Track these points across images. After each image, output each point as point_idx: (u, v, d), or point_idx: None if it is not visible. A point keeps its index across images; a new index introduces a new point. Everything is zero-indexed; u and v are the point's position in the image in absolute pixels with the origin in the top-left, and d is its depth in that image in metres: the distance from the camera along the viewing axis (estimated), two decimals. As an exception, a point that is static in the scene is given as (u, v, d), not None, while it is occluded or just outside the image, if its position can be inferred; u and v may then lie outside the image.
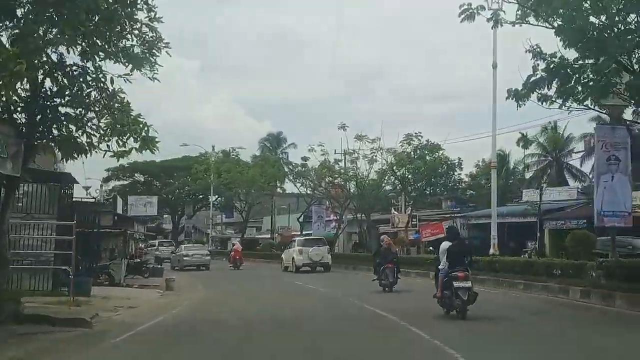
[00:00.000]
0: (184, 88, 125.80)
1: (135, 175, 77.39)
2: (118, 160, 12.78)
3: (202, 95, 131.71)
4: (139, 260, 32.83)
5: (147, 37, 11.90)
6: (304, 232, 49.18)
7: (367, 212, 40.06)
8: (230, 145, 58.74)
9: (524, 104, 15.38)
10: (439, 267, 13.91)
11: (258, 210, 70.20)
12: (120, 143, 12.09)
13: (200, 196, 74.14)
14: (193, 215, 78.42)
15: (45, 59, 11.10)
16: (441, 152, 35.77)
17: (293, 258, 35.88)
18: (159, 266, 35.42)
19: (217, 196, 71.46)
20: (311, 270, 34.38)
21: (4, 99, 10.13)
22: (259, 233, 75.54)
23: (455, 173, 39.91)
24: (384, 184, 40.08)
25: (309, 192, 48.14)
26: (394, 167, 36.46)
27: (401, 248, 35.53)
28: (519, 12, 15.22)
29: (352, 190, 41.71)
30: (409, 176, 37.01)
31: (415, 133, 35.99)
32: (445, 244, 13.94)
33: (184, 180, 67.99)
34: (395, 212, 43.01)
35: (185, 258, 41.85)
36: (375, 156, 37.44)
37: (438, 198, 50.55)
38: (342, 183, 42.02)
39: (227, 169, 56.92)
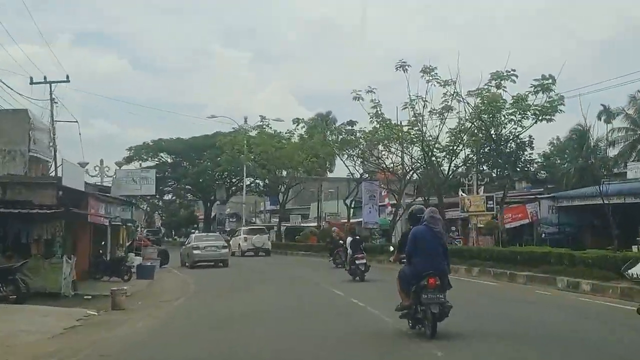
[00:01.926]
0: (236, 79, 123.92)
1: (161, 155, 68.27)
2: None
3: (254, 85, 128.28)
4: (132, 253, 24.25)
5: None
6: (353, 219, 39.80)
7: (439, 188, 29.06)
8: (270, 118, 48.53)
9: None
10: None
11: (306, 197, 61.64)
12: None
13: (234, 179, 64.55)
14: (227, 200, 68.77)
15: None
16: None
17: (239, 244, 41.73)
18: (149, 264, 25.74)
19: (252, 178, 61.80)
20: (254, 255, 40.08)
21: None
22: (305, 221, 65.73)
23: (526, 153, 32.79)
24: (460, 148, 29.02)
25: (357, 166, 37.90)
26: (481, 114, 25.12)
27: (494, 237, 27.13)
28: None
29: (414, 160, 31.15)
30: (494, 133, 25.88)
31: (508, 71, 24.70)
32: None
33: (216, 160, 58.08)
34: (464, 194, 35.53)
35: (195, 252, 31.94)
36: (450, 103, 26.38)
37: (509, 179, 40.75)
38: (401, 149, 31.36)
39: (259, 142, 46.80)
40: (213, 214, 67.60)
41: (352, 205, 49.24)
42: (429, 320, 9.08)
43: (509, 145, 28.40)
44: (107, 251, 26.38)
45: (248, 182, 65.47)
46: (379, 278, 20.07)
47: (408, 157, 32.00)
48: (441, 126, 27.62)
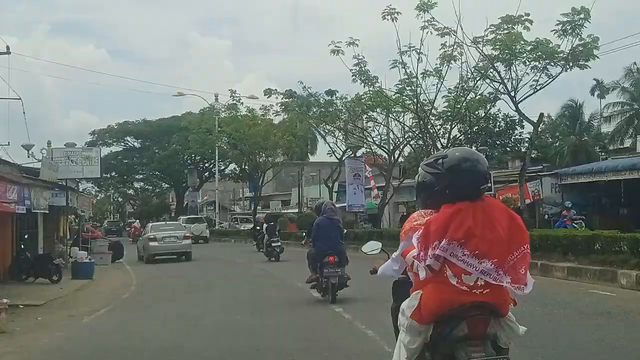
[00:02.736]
0: (217, 67, 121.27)
1: (127, 139, 63.01)
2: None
3: (234, 74, 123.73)
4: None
5: None
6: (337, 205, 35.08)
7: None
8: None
9: None
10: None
11: (287, 183, 59.60)
12: None
13: (207, 164, 59.59)
14: (200, 186, 63.76)
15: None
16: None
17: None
18: (88, 261, 21.07)
19: (227, 162, 56.96)
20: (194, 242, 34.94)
21: None
22: (286, 207, 61.25)
23: (516, 132, 32.80)
24: (463, 111, 24.31)
25: (340, 142, 33.21)
26: (494, 61, 20.08)
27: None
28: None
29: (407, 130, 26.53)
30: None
31: (521, 15, 19.83)
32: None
33: (186, 143, 52.79)
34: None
35: (151, 244, 27.16)
36: (453, 52, 21.55)
37: (500, 157, 41.06)
38: (389, 118, 26.72)
39: (229, 121, 41.92)
40: (186, 202, 62.57)
41: (336, 189, 44.94)
42: (329, 289, 11.51)
43: (498, 124, 25.18)
44: (37, 246, 21.87)
45: (222, 167, 60.68)
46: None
47: (399, 127, 27.44)
48: (439, 85, 22.90)
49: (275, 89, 32.55)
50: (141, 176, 70.82)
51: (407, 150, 30.80)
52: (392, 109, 26.25)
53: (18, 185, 18.28)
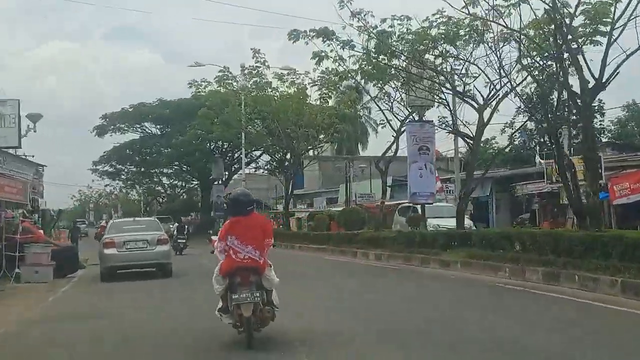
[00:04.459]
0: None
1: (145, 125, 54.01)
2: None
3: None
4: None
5: None
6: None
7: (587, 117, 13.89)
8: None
9: None
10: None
11: (335, 179, 52.91)
12: None
13: (236, 151, 49.97)
14: (227, 180, 54.23)
15: None
16: None
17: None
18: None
19: (260, 150, 47.32)
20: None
21: None
22: (333, 205, 51.57)
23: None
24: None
25: (400, 100, 22.70)
26: None
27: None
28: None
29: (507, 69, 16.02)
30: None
31: None
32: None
33: (208, 125, 42.97)
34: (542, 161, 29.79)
35: (108, 252, 17.54)
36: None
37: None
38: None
39: (253, 100, 32.65)
40: (211, 198, 53.02)
41: (390, 184, 35.09)
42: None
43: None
44: None
45: (255, 157, 51.23)
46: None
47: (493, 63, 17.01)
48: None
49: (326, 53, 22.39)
50: (170, 170, 62.27)
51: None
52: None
53: None
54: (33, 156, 28.03)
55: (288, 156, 37.24)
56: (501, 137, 36.04)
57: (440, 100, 20.68)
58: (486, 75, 18.10)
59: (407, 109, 23.13)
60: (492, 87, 18.14)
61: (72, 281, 18.24)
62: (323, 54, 22.29)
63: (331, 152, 61.76)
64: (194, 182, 64.09)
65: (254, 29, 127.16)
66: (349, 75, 23.58)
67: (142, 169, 58.63)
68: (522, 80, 18.01)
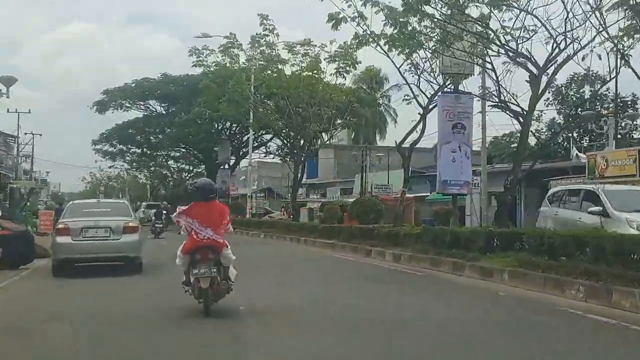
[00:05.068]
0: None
1: (150, 103, 50.45)
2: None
3: None
4: None
5: None
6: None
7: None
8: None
9: None
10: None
11: (351, 168, 48.73)
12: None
13: (245, 133, 46.35)
14: (234, 165, 50.58)
15: None
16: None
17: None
18: None
19: (270, 133, 43.71)
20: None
21: None
22: (348, 196, 48.09)
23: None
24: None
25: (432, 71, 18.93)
26: None
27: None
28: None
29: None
30: None
31: None
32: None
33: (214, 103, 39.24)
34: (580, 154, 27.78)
35: (60, 240, 14.05)
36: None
37: None
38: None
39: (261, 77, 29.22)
40: (217, 184, 49.38)
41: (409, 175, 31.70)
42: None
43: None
44: None
45: (266, 141, 47.55)
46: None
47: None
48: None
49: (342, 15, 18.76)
50: (177, 154, 58.86)
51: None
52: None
53: None
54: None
55: (301, 142, 33.67)
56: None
57: (483, 65, 16.74)
58: (547, 29, 14.09)
59: (437, 82, 19.26)
60: (555, 45, 14.17)
61: (21, 274, 14.84)
62: (341, 15, 18.72)
63: (347, 141, 58.40)
64: (202, 167, 60.68)
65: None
66: (371, 39, 19.86)
67: (148, 151, 55.24)
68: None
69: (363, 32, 19.09)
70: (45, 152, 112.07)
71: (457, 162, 17.07)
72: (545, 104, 32.75)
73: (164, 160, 62.43)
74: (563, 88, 39.65)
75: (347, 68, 28.94)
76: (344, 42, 28.37)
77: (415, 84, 19.90)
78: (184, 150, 55.98)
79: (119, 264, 14.34)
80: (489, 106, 17.89)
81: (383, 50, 19.80)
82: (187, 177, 65.86)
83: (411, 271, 14.87)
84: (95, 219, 14.30)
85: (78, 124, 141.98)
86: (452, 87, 18.12)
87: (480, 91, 17.23)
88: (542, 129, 34.63)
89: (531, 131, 20.80)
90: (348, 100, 33.22)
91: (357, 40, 20.88)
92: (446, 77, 18.24)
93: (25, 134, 62.56)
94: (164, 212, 30.86)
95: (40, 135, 62.67)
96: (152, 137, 51.64)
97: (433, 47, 18.07)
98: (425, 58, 19.39)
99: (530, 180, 30.81)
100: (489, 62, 16.31)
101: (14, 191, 23.76)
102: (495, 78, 16.19)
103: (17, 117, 53.64)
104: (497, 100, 16.54)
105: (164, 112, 50.90)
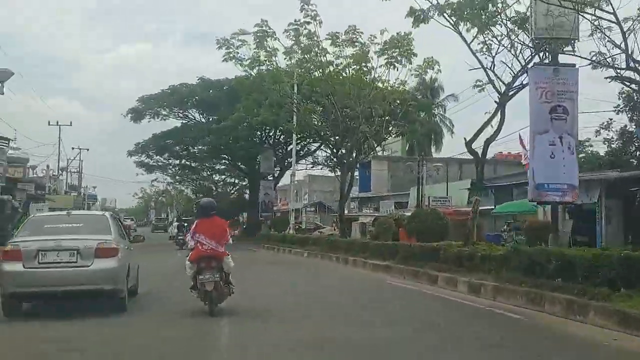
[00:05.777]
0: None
1: (190, 111, 47.08)
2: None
3: None
4: None
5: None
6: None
7: None
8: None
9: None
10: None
11: (407, 180, 43.84)
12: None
13: (289, 140, 42.38)
14: (279, 176, 46.64)
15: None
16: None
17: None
18: None
19: (318, 140, 39.76)
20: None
21: None
22: (402, 210, 43.79)
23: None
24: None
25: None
26: None
27: None
28: None
29: None
30: None
31: None
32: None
33: (253, 109, 35.40)
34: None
35: (8, 268, 10.11)
36: None
37: None
38: None
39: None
40: (260, 196, 45.44)
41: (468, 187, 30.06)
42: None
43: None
44: None
45: (314, 148, 43.62)
46: None
47: None
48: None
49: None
50: (222, 166, 55.64)
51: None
52: None
53: None
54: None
55: (348, 144, 29.51)
56: (596, 139, 30.79)
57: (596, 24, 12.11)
58: None
59: (522, 57, 14.74)
60: None
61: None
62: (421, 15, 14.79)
63: (402, 152, 54.61)
64: (247, 180, 57.29)
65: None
66: (431, 11, 15.59)
67: (188, 163, 52.14)
68: None
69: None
70: (92, 166, 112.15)
71: (558, 158, 12.43)
72: (616, 111, 28.43)
73: (208, 173, 59.50)
74: (635, 95, 35.04)
75: (400, 58, 24.76)
76: (397, 33, 24.47)
77: (489, 67, 15.51)
78: (227, 162, 52.71)
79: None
80: (606, 78, 13.22)
81: (449, 22, 15.47)
82: (232, 191, 62.62)
83: (502, 311, 10.39)
84: (58, 238, 10.33)
85: (128, 139, 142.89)
86: (549, 59, 13.40)
87: (594, 56, 12.47)
88: (611, 137, 30.54)
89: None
90: (403, 98, 29.04)
91: (413, 17, 16.73)
92: (540, 44, 13.60)
93: (73, 148, 60.89)
94: (185, 224, 33.45)
95: (87, 149, 60.95)
96: (191, 147, 48.26)
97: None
98: (501, 35, 15.13)
99: (613, 190, 26.02)
100: (608, 20, 11.59)
101: (4, 204, 20.15)
102: (622, 35, 11.44)
103: (58, 130, 52.03)
104: (622, 68, 11.77)
105: (203, 120, 47.45)
